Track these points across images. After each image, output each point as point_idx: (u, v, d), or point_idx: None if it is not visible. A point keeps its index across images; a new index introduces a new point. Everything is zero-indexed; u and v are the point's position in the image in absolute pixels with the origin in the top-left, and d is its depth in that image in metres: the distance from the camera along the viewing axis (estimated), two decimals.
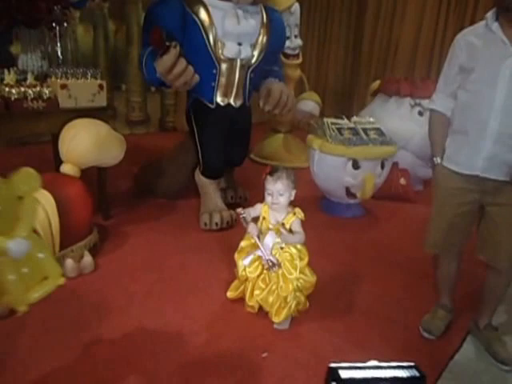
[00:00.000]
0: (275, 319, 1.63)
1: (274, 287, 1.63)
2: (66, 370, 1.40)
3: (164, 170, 2.72)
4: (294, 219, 1.61)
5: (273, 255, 1.60)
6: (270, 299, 1.63)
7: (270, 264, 1.58)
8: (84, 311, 1.69)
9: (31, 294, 1.16)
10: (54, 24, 2.19)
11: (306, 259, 1.65)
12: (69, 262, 1.90)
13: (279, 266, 1.59)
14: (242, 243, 1.70)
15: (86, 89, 2.14)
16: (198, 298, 1.82)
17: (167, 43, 1.91)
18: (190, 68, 2.02)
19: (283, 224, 1.61)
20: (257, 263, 1.66)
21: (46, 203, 1.80)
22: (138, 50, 4.07)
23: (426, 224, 2.71)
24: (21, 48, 2.28)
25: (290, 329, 1.66)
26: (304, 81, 3.70)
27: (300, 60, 3.60)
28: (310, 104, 3.37)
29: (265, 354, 1.51)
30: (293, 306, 1.63)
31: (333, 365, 0.54)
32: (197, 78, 2.06)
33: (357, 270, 2.15)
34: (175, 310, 1.74)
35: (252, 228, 1.60)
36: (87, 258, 1.96)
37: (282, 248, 1.63)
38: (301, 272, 1.61)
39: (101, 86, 2.19)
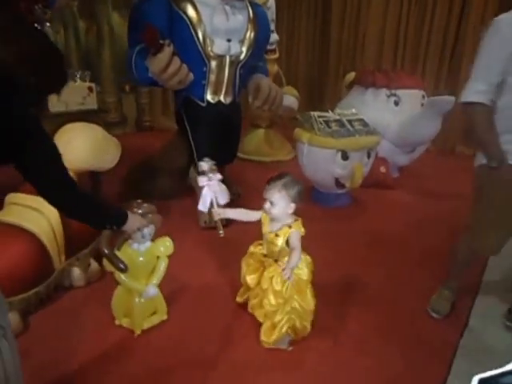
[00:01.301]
0: (263, 338, 1.53)
1: (264, 300, 1.52)
2: (78, 373, 1.41)
3: (155, 170, 2.68)
4: (290, 233, 1.45)
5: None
6: (261, 312, 1.57)
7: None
8: (98, 318, 1.66)
9: (144, 322, 1.59)
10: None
11: (307, 277, 1.52)
12: (75, 271, 1.85)
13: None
14: (251, 248, 1.64)
15: (75, 92, 2.07)
16: (211, 298, 1.83)
17: (161, 41, 1.89)
18: (184, 66, 2.01)
19: (276, 234, 1.47)
20: (259, 272, 1.59)
21: (48, 213, 1.74)
22: (109, 49, 3.97)
23: (408, 208, 2.90)
24: None
25: None
26: (281, 76, 3.75)
27: (277, 55, 3.65)
28: (289, 99, 3.43)
29: (290, 348, 1.55)
30: (284, 329, 1.50)
31: (480, 377, 0.58)
32: (191, 76, 2.06)
33: (355, 257, 2.24)
34: (190, 311, 1.74)
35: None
36: (94, 266, 1.91)
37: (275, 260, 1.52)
38: (299, 293, 1.50)
39: (90, 89, 2.12)
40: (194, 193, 2.63)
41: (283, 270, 1.40)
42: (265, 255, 1.58)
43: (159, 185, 2.71)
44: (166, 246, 1.57)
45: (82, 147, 1.90)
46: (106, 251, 1.43)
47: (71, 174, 1.93)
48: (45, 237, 1.69)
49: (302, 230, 1.48)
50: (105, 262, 1.49)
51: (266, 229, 1.53)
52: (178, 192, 2.82)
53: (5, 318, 1.00)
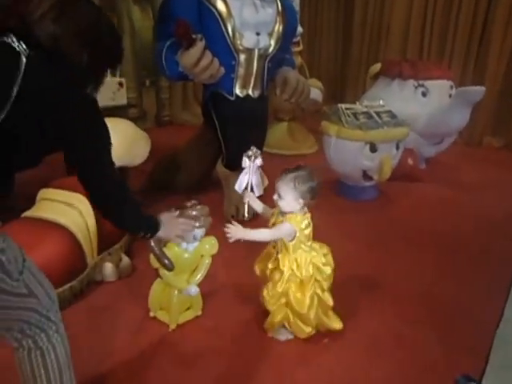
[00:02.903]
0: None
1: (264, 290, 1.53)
2: (116, 367, 1.42)
3: (182, 164, 2.68)
4: (284, 221, 1.41)
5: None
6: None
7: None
8: (132, 313, 1.68)
9: (180, 317, 1.61)
10: None
11: (300, 278, 1.44)
12: (108, 266, 1.86)
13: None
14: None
15: (105, 87, 2.04)
16: (243, 292, 1.82)
17: (193, 36, 1.87)
18: (216, 60, 1.99)
19: (273, 224, 1.46)
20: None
21: (82, 207, 1.75)
22: (130, 44, 3.96)
23: (437, 200, 2.86)
24: None
25: (340, 311, 1.67)
26: (305, 68, 3.70)
27: (301, 47, 3.60)
28: (314, 91, 3.37)
29: (326, 340, 1.55)
30: (277, 318, 1.50)
31: None
32: (222, 70, 2.04)
33: (385, 249, 2.22)
34: (223, 305, 1.74)
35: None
36: (125, 261, 1.92)
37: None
38: (298, 290, 1.46)
39: (120, 84, 2.13)
40: (219, 186, 2.63)
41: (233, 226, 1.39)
42: (274, 246, 1.56)
43: (185, 179, 2.71)
44: (211, 244, 1.57)
45: (115, 143, 1.90)
46: (155, 248, 1.43)
47: None
48: (79, 232, 1.71)
49: (298, 227, 1.40)
50: (151, 258, 1.49)
51: (272, 220, 1.50)
52: (203, 186, 2.82)
53: (57, 314, 1.01)
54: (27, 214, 1.71)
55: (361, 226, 2.48)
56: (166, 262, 1.43)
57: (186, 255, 1.52)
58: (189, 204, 1.49)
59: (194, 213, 1.46)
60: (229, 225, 1.39)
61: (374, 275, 1.96)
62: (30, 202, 1.80)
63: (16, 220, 1.67)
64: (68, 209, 1.72)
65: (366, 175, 2.72)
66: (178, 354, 1.48)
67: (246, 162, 1.52)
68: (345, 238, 2.30)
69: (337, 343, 1.54)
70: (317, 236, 1.54)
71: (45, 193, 1.82)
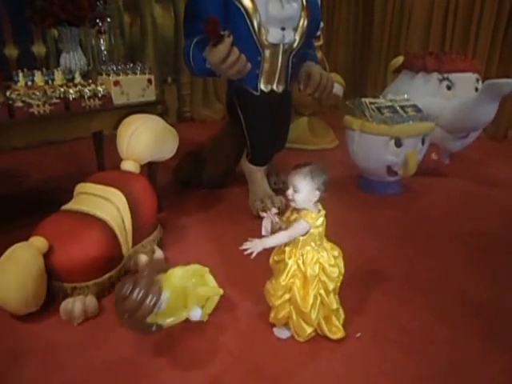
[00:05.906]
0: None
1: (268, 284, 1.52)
2: (154, 351, 1.46)
3: (206, 159, 2.73)
4: (298, 218, 1.38)
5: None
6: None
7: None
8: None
9: (206, 309, 1.53)
10: (97, 20, 2.16)
11: (309, 276, 1.40)
12: (143, 257, 1.92)
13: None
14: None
15: (136, 84, 2.13)
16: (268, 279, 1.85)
17: (221, 33, 1.91)
18: (243, 56, 2.01)
19: (288, 219, 1.42)
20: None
21: (117, 201, 1.81)
22: (152, 41, 4.04)
23: (464, 197, 2.83)
24: (63, 47, 2.24)
25: (371, 305, 1.70)
26: (325, 63, 3.70)
27: (321, 42, 3.61)
28: (336, 86, 3.36)
29: (358, 335, 1.55)
30: (280, 315, 1.50)
31: None
32: (249, 66, 2.06)
33: (409, 245, 2.21)
34: (253, 291, 1.75)
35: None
36: (158, 253, 1.98)
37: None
38: (303, 287, 1.42)
39: (149, 81, 2.18)
40: (244, 181, 2.67)
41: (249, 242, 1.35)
42: None
43: (210, 174, 2.76)
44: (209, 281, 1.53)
45: (144, 138, 1.97)
46: (140, 327, 1.35)
47: (136, 165, 2.03)
48: (115, 224, 1.77)
49: (314, 224, 1.37)
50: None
51: (287, 214, 1.46)
52: (228, 180, 2.87)
53: None
54: (66, 207, 1.77)
55: (384, 221, 2.48)
56: (151, 329, 1.35)
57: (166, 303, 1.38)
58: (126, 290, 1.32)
59: (143, 290, 1.29)
60: (246, 243, 1.36)
61: (400, 271, 1.96)
62: (69, 195, 1.87)
63: (56, 213, 1.74)
64: (105, 202, 1.77)
65: (390, 170, 2.72)
66: (218, 342, 1.52)
67: (263, 214, 1.49)
68: (368, 234, 2.31)
69: (369, 339, 1.54)
70: (339, 232, 1.53)
71: (82, 187, 1.87)
